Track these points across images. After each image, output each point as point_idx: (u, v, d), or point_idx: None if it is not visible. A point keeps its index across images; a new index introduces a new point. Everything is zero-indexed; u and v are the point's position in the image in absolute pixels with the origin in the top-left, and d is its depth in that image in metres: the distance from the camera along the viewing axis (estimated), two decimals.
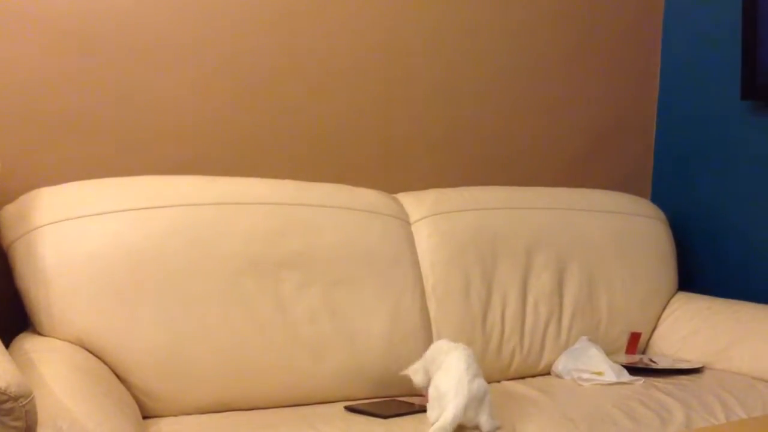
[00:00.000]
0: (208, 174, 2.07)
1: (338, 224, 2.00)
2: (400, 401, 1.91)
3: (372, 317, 1.98)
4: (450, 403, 1.58)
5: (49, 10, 1.89)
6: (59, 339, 1.70)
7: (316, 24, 2.21)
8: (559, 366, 2.18)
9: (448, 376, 1.63)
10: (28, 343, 1.66)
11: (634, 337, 2.35)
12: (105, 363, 1.70)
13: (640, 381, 2.08)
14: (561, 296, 2.28)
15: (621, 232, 2.42)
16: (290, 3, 2.17)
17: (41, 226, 1.74)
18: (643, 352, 2.40)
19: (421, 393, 1.81)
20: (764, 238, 2.46)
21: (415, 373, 1.80)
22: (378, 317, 1.98)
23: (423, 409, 1.84)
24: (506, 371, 2.15)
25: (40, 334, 1.72)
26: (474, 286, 2.15)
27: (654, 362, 2.23)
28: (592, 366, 2.11)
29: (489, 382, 2.10)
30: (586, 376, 2.09)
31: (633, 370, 2.14)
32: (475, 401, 1.61)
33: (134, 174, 2.00)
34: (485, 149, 2.49)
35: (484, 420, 1.62)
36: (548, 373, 2.21)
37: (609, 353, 2.24)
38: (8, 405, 1.18)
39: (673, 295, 2.48)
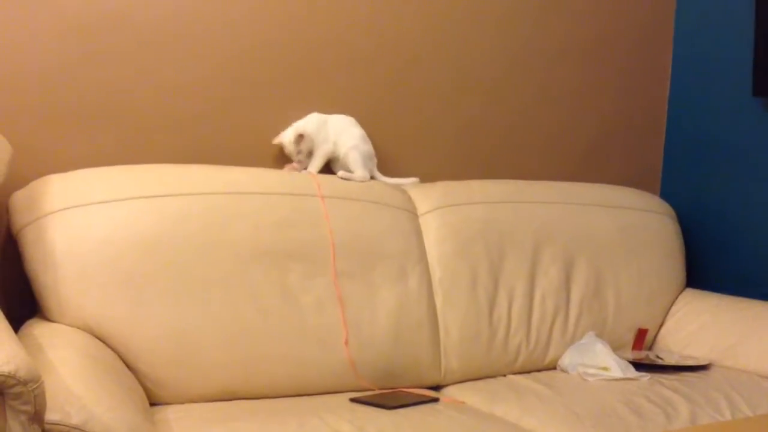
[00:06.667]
0: (215, 163, 2.08)
1: (346, 215, 2.00)
2: (405, 392, 1.91)
3: (379, 309, 1.98)
4: (359, 167, 2.13)
5: (61, 4, 1.90)
6: (68, 325, 1.71)
7: (315, 18, 2.20)
8: (565, 361, 2.17)
9: (350, 142, 2.14)
10: (36, 328, 1.67)
11: (641, 333, 2.35)
12: (112, 349, 1.71)
13: (646, 377, 2.08)
14: (568, 291, 2.28)
15: (629, 227, 2.41)
16: None
17: (51, 213, 1.74)
18: (650, 349, 2.40)
19: (292, 160, 2.12)
20: None
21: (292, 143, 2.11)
22: (384, 309, 1.99)
23: (429, 400, 1.85)
24: (512, 365, 2.15)
25: (48, 319, 1.73)
26: (481, 280, 2.15)
27: (660, 358, 2.22)
28: (599, 361, 2.11)
29: (495, 376, 2.12)
30: (592, 371, 2.09)
31: (639, 366, 2.14)
32: (367, 156, 2.16)
33: (144, 162, 2.01)
34: (494, 143, 2.48)
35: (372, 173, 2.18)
36: (554, 368, 2.21)
37: (615, 349, 2.23)
38: (17, 389, 1.19)
39: (680, 292, 2.48)
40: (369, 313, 1.96)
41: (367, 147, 2.18)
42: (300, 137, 2.08)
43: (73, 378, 1.39)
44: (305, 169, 2.12)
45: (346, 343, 1.91)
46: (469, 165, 2.45)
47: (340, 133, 2.15)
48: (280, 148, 2.15)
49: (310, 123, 2.13)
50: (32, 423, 1.21)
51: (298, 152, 2.10)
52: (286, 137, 2.10)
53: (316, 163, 2.12)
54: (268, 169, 2.05)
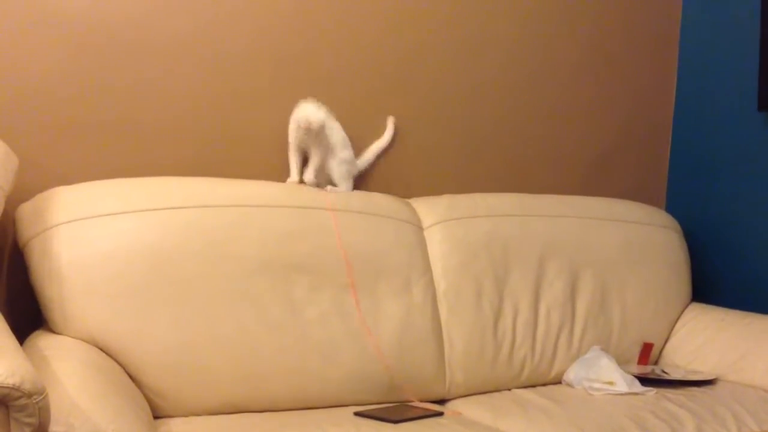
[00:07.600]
0: (222, 175, 2.08)
1: (350, 227, 2.01)
2: (410, 406, 1.91)
3: (383, 321, 1.98)
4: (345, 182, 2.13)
5: (67, 16, 1.91)
6: (73, 337, 1.71)
7: (327, 29, 2.21)
8: (571, 375, 2.17)
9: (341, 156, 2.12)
10: (42, 340, 1.67)
11: (647, 348, 2.34)
12: (117, 362, 1.71)
13: (651, 392, 2.07)
14: (573, 305, 2.27)
15: (635, 241, 2.41)
16: (303, 5, 2.18)
17: (57, 225, 1.75)
18: (656, 363, 2.39)
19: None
20: None
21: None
22: (389, 322, 1.99)
23: (433, 414, 1.84)
24: (517, 379, 2.15)
25: (53, 332, 1.73)
26: (486, 293, 2.15)
27: (666, 373, 2.22)
28: (604, 375, 2.10)
29: (499, 390, 2.11)
30: (597, 385, 2.08)
31: (645, 380, 2.13)
32: (353, 165, 2.17)
33: (151, 174, 2.01)
34: (499, 156, 2.49)
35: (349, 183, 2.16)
36: (559, 382, 2.20)
37: (621, 363, 2.23)
38: (22, 401, 1.19)
39: (686, 306, 2.47)
40: (373, 326, 1.96)
41: (347, 153, 2.13)
42: (323, 128, 2.04)
43: (77, 390, 1.39)
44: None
45: (357, 305, 1.92)
46: (475, 178, 2.45)
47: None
48: (287, 157, 2.14)
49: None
50: None
51: (315, 137, 2.04)
52: (316, 120, 2.01)
53: (313, 172, 2.08)
54: (274, 182, 2.05)
